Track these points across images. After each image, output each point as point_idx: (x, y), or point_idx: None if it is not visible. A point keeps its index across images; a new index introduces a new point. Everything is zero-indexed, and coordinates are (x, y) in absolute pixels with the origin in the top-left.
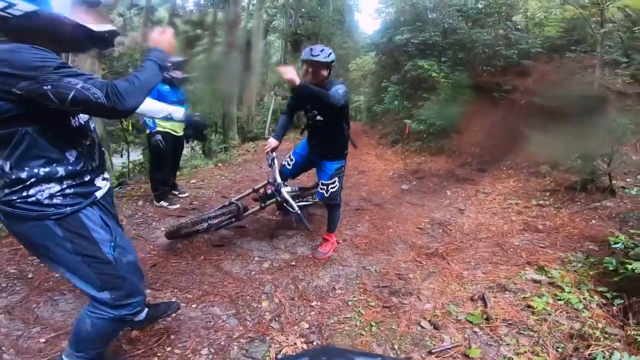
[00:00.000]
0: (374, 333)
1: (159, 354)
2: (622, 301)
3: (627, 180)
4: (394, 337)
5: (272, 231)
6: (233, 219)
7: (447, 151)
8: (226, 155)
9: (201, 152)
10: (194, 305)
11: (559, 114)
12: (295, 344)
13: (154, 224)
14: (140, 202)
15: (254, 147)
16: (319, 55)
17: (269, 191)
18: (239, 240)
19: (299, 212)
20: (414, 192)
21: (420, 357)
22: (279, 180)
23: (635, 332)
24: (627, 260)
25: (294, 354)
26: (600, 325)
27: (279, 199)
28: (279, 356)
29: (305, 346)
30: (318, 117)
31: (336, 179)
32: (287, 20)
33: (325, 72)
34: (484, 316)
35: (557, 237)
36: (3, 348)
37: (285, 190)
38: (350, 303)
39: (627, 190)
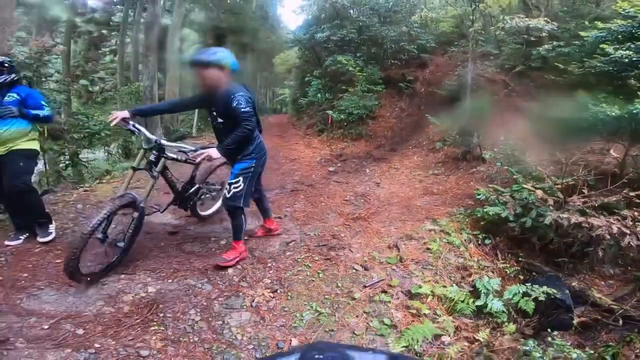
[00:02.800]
0: (322, 278)
1: (155, 320)
2: (491, 241)
3: (495, 149)
4: (336, 279)
5: (220, 215)
6: (136, 216)
7: (365, 136)
8: None
9: (122, 155)
10: (169, 280)
11: (446, 99)
12: (263, 294)
13: None
14: (79, 205)
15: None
16: (202, 55)
17: (152, 157)
18: (191, 227)
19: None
20: (339, 172)
21: (358, 290)
22: (153, 137)
23: (503, 265)
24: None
25: (285, 350)
26: (476, 260)
27: (166, 157)
28: (266, 356)
29: (272, 294)
30: (219, 120)
31: (240, 179)
32: (208, 13)
33: (215, 74)
34: (399, 258)
35: (447, 198)
36: (12, 339)
37: (167, 144)
38: (299, 260)
39: (494, 157)
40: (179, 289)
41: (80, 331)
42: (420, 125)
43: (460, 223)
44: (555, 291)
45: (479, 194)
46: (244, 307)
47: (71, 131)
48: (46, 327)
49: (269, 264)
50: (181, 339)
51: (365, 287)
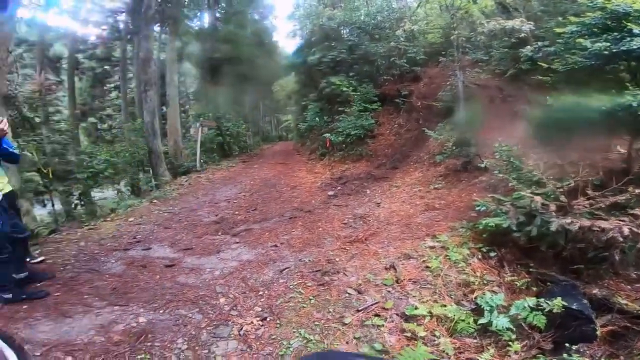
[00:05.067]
0: (313, 304)
1: (143, 348)
2: (496, 253)
3: (496, 156)
4: (328, 304)
5: (218, 247)
6: None
7: (366, 156)
8: (160, 191)
9: (130, 192)
10: (161, 311)
11: (442, 111)
12: (252, 322)
13: (102, 258)
14: (82, 243)
15: (187, 180)
16: None
17: None
18: (188, 259)
19: None
20: (339, 196)
21: (350, 314)
22: None
23: (511, 278)
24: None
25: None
26: (479, 275)
27: None
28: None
29: (261, 322)
30: None
31: None
32: (203, 45)
33: None
34: (395, 279)
35: (449, 212)
36: None
37: None
38: (291, 287)
39: (494, 165)
40: (170, 319)
41: (69, 359)
42: (420, 140)
43: (462, 237)
44: (568, 303)
45: (478, 205)
46: (232, 335)
47: (75, 171)
48: (38, 354)
49: (261, 292)
50: None
51: (357, 311)
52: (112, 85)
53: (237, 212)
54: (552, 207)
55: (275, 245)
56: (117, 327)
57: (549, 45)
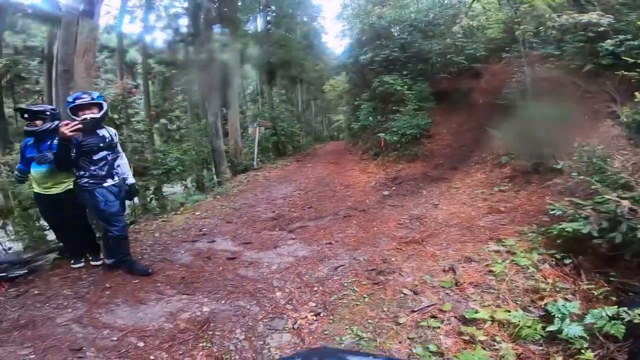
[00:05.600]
0: (367, 302)
1: (205, 337)
2: (572, 260)
3: (574, 158)
4: (383, 303)
5: (275, 243)
6: None
7: (421, 156)
8: (222, 188)
9: (195, 188)
10: (223, 302)
11: (507, 109)
12: (306, 317)
13: (173, 249)
14: (157, 234)
15: (246, 177)
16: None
17: None
18: (248, 252)
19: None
20: (394, 196)
21: (405, 314)
22: None
23: (588, 287)
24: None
25: (288, 354)
26: (550, 282)
27: None
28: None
29: (314, 317)
30: None
31: None
32: (260, 48)
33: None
34: (454, 282)
35: (516, 215)
36: (84, 348)
37: None
38: (346, 284)
39: (571, 167)
40: (230, 309)
41: (141, 344)
42: (482, 140)
43: (531, 242)
44: None
45: (553, 209)
46: (286, 328)
47: (151, 168)
48: (115, 339)
49: (315, 288)
50: (224, 356)
51: (413, 311)
52: (179, 88)
53: (292, 209)
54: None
55: (330, 243)
56: (184, 315)
57: (632, 39)
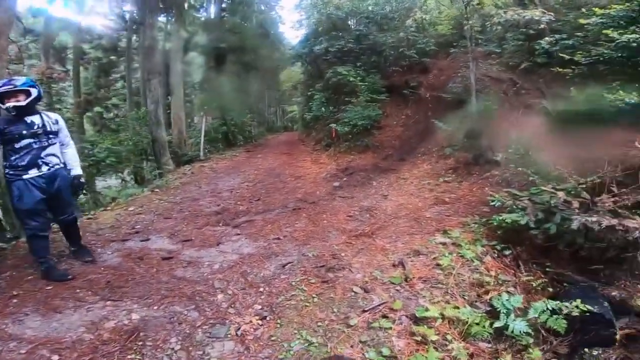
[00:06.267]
0: (317, 303)
1: (134, 348)
2: (511, 251)
3: (510, 150)
4: (333, 303)
5: (218, 239)
6: None
7: (372, 147)
8: (162, 180)
9: (133, 181)
10: (155, 307)
11: (452, 103)
12: (251, 321)
13: (98, 249)
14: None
15: (191, 169)
16: None
17: None
18: (187, 251)
19: None
20: (344, 187)
21: (356, 315)
22: None
23: (527, 278)
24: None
25: None
26: (493, 274)
27: None
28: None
29: (260, 322)
30: None
31: None
32: (210, 35)
33: None
34: (404, 277)
35: (460, 206)
36: None
37: None
38: (294, 284)
39: (507, 158)
40: (164, 316)
41: (55, 357)
42: (428, 132)
43: (474, 233)
44: (591, 307)
45: (493, 201)
46: (229, 335)
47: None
48: (23, 352)
49: (261, 289)
50: None
51: (364, 311)
52: (118, 75)
53: (239, 203)
54: (575, 203)
55: (278, 238)
56: (108, 324)
57: (567, 38)
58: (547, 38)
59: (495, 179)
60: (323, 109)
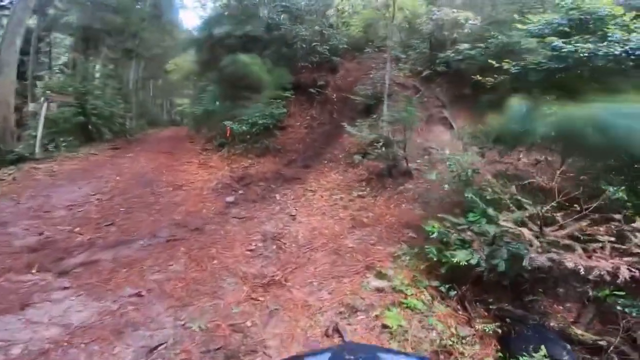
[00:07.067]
0: None
1: None
2: (455, 292)
3: (418, 161)
4: None
5: (26, 298)
6: None
7: (273, 150)
8: None
9: None
10: None
11: (361, 106)
12: None
13: None
14: None
15: (13, 173)
16: None
17: None
18: None
19: None
20: (241, 203)
21: None
22: None
23: (481, 326)
24: (445, 249)
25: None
26: (452, 330)
27: None
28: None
29: None
30: None
31: None
32: (83, 14)
33: None
34: None
35: (382, 230)
36: None
37: None
38: None
39: (422, 172)
40: None
41: None
42: (334, 135)
43: (410, 269)
44: (556, 354)
45: (432, 232)
46: None
47: None
48: None
49: None
50: None
51: None
52: None
53: (78, 229)
54: (526, 235)
55: (139, 294)
56: None
57: (470, 48)
58: (449, 52)
59: (409, 193)
60: (217, 102)
